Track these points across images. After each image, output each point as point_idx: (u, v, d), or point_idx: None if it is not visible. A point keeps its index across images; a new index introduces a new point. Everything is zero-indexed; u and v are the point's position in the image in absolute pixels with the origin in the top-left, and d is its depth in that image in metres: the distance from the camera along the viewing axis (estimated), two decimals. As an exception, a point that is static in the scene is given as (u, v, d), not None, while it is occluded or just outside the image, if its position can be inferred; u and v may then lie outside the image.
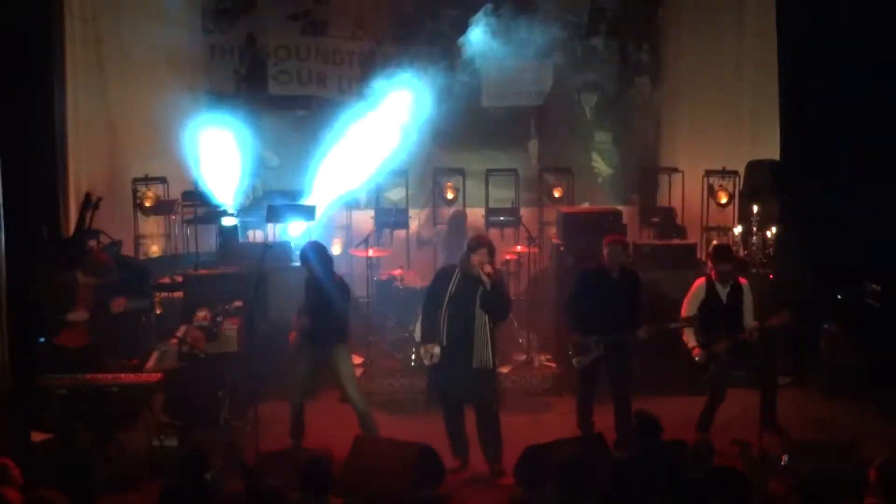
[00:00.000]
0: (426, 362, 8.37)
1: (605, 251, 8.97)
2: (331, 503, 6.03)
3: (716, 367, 8.91)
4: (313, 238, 10.19)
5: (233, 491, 6.69)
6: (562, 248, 11.11)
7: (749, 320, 8.96)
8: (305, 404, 9.04)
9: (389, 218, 12.87)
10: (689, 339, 8.97)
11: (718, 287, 9.00)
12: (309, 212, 12.49)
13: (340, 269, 11.85)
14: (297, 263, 11.10)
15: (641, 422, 6.87)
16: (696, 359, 8.90)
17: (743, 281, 9.11)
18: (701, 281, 9.13)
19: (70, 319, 8.70)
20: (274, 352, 10.01)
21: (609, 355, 8.86)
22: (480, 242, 8.28)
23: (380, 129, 12.46)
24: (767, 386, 9.07)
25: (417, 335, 9.83)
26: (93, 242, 10.61)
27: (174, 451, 8.42)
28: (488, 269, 8.15)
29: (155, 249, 12.89)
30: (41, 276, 9.07)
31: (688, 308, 9.05)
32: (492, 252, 8.28)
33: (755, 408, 8.99)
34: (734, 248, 10.86)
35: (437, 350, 8.24)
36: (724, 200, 12.71)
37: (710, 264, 9.43)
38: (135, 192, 12.68)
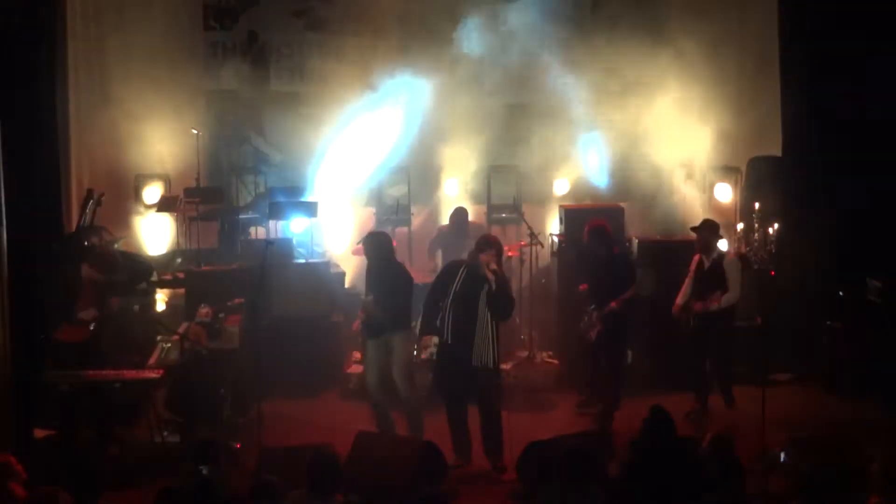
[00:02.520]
0: (423, 355, 8.42)
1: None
2: (336, 499, 6.02)
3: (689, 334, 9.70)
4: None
5: (234, 489, 6.68)
6: (564, 245, 11.12)
7: (731, 294, 9.53)
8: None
9: (391, 215, 12.87)
10: (678, 298, 9.78)
11: (703, 259, 9.68)
12: (311, 208, 12.52)
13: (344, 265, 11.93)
14: (300, 260, 11.26)
15: (655, 418, 6.84)
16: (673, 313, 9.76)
17: (731, 256, 9.75)
18: (696, 256, 9.81)
19: (80, 317, 8.71)
20: (276, 349, 10.05)
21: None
22: (490, 243, 8.34)
23: (382, 126, 12.50)
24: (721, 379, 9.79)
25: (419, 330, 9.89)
26: (95, 239, 10.63)
27: (176, 448, 8.44)
28: (494, 266, 8.19)
29: (157, 246, 12.90)
30: (46, 272, 9.10)
31: (686, 281, 9.79)
32: (500, 254, 8.37)
33: (755, 402, 9.04)
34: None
35: (433, 342, 8.27)
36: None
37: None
38: (137, 188, 12.69)
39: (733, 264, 9.63)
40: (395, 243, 9.71)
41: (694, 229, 9.91)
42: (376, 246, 8.88)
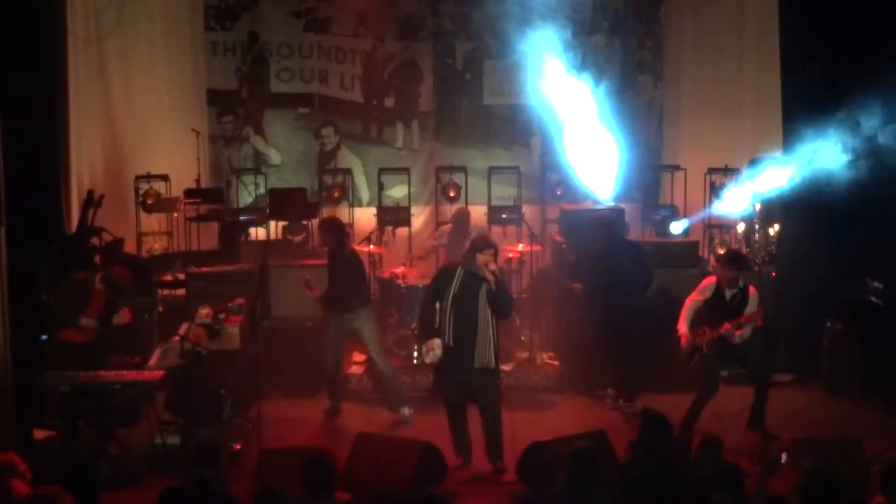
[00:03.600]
0: (427, 360, 8.38)
1: None
2: (335, 500, 6.01)
3: (699, 362, 8.97)
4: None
5: (235, 490, 6.66)
6: (564, 246, 11.11)
7: (746, 328, 8.93)
8: (335, 375, 9.90)
9: (392, 216, 12.87)
10: (682, 325, 9.02)
11: (725, 290, 9.02)
12: (310, 209, 12.53)
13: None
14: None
15: (648, 420, 6.83)
16: (682, 343, 8.96)
17: (752, 290, 9.07)
18: (711, 280, 9.17)
19: (81, 324, 8.70)
20: (276, 350, 10.05)
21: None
22: (486, 243, 8.30)
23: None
24: (759, 386, 9.08)
25: (417, 333, 9.90)
26: (95, 240, 10.63)
27: (176, 449, 8.43)
28: (493, 267, 8.17)
29: (157, 247, 12.88)
30: (55, 276, 9.10)
31: (693, 301, 9.06)
32: (496, 254, 8.33)
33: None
34: (739, 250, 10.94)
35: (437, 344, 8.22)
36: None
37: (717, 268, 9.40)
38: (137, 189, 12.67)
39: (754, 298, 9.02)
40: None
41: (718, 266, 9.47)
42: (337, 235, 9.67)
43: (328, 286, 9.65)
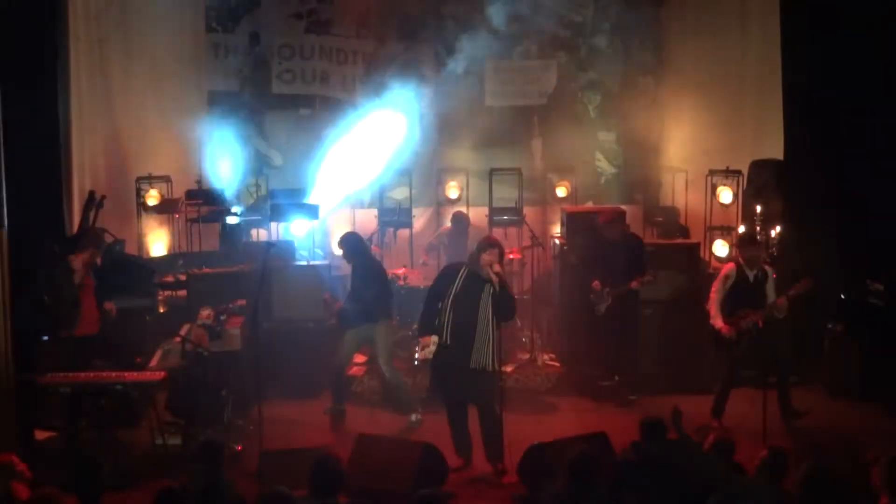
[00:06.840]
0: (420, 356, 8.43)
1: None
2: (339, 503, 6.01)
3: (742, 346, 9.28)
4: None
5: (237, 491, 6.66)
6: (565, 248, 11.12)
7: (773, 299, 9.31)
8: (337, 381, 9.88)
9: (393, 217, 12.87)
10: (717, 320, 9.33)
11: (747, 270, 9.38)
12: (312, 210, 12.51)
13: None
14: (301, 262, 11.29)
15: (646, 424, 6.87)
16: (726, 335, 9.26)
17: (767, 267, 9.50)
18: (731, 266, 9.56)
19: (106, 308, 8.83)
20: (277, 351, 10.05)
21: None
22: (491, 243, 8.31)
23: (383, 128, 12.50)
24: (782, 374, 9.41)
25: (417, 331, 9.91)
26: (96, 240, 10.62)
27: (177, 450, 8.43)
28: (497, 268, 8.17)
29: (158, 248, 12.89)
30: (49, 274, 9.14)
31: (718, 290, 9.42)
32: (501, 254, 8.34)
33: (757, 405, 9.04)
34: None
35: (432, 341, 8.25)
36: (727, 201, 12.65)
37: (738, 250, 9.98)
38: (138, 190, 12.67)
39: (771, 273, 9.47)
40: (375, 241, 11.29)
41: (739, 246, 9.94)
42: (353, 247, 9.82)
43: (349, 298, 9.81)
